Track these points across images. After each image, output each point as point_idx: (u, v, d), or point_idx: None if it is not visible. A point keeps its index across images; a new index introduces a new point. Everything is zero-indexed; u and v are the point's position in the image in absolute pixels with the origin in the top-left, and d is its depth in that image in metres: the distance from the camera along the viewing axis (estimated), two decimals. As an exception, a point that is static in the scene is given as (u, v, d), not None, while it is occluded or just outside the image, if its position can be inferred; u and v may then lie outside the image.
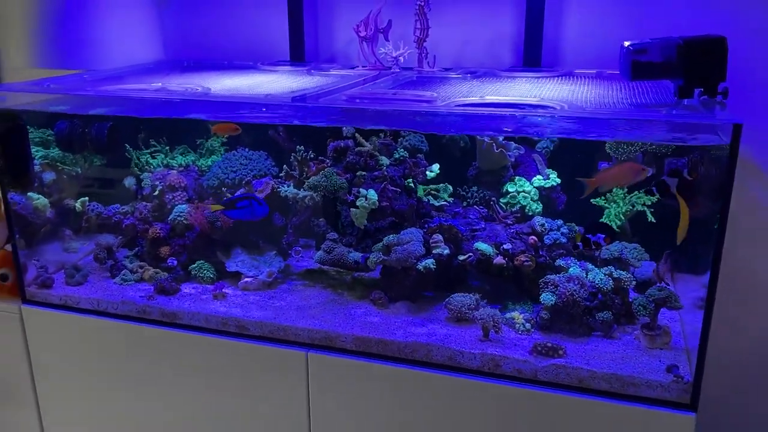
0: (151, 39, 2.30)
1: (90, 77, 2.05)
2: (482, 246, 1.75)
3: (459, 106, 1.56)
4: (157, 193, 2.11)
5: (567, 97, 1.63)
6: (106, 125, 2.03)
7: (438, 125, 1.60)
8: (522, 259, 1.74)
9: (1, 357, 2.03)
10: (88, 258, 2.13)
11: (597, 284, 1.66)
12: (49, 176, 2.16)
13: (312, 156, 2.00)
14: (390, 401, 1.66)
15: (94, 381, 1.95)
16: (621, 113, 1.50)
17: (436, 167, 1.98)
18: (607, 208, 1.88)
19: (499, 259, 1.74)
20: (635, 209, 1.87)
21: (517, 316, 1.69)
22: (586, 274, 1.69)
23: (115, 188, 2.22)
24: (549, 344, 1.58)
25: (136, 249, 2.08)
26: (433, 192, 1.99)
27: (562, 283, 1.65)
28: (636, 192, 1.87)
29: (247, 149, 2.15)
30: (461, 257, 1.77)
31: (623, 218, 1.87)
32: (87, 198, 2.15)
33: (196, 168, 2.21)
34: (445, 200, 1.98)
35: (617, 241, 1.80)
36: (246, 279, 1.94)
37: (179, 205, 2.03)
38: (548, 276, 1.69)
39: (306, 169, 1.97)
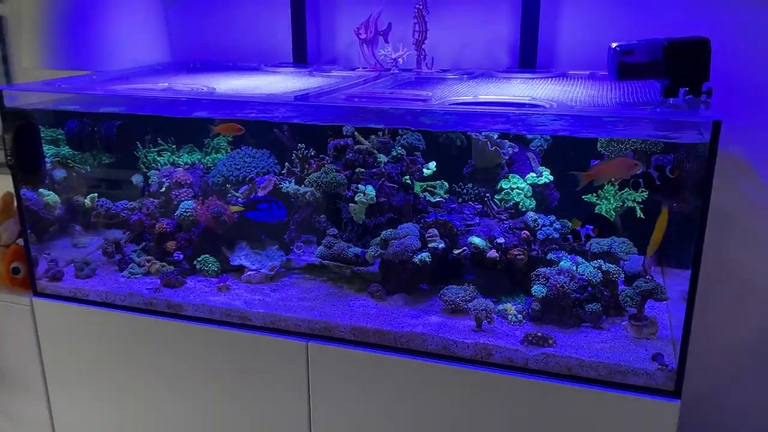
0: (158, 41, 2.34)
1: (99, 78, 2.10)
2: (476, 240, 1.81)
3: (452, 104, 1.62)
4: (163, 189, 2.17)
5: (558, 97, 1.68)
6: (114, 124, 2.08)
7: (432, 123, 1.66)
8: (515, 252, 1.79)
9: (12, 347, 2.09)
10: (97, 252, 2.18)
11: (587, 277, 1.72)
12: (59, 173, 2.22)
13: (313, 154, 2.07)
14: (386, 389, 1.71)
15: (101, 370, 2.01)
16: (605, 111, 1.55)
17: (432, 165, 2.04)
18: (599, 204, 1.94)
19: (492, 253, 1.80)
20: (626, 205, 1.93)
21: (509, 307, 1.75)
22: (576, 267, 1.75)
23: (124, 185, 2.28)
24: (539, 334, 1.64)
25: (144, 243, 2.14)
26: (429, 188, 2.05)
27: (553, 276, 1.71)
28: (626, 189, 1.93)
29: (250, 148, 2.21)
30: (456, 251, 1.83)
31: (614, 214, 1.92)
32: (96, 194, 2.20)
33: (202, 166, 2.27)
34: (441, 196, 2.04)
35: (612, 236, 1.85)
36: (249, 272, 2.00)
37: (185, 201, 2.09)
38: (539, 269, 1.75)
39: (307, 166, 2.04)
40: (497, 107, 1.59)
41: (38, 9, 2.14)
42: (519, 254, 1.79)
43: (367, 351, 1.72)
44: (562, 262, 1.78)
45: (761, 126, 1.98)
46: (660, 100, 1.57)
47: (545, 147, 2.05)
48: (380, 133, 2.03)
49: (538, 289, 1.71)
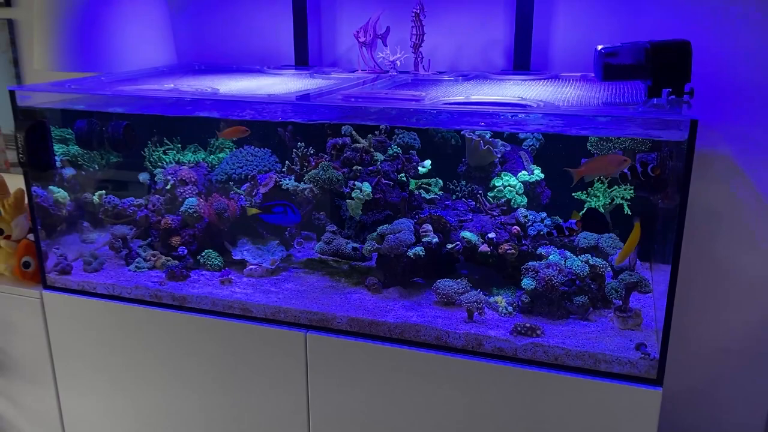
0: (164, 45, 2.35)
1: (107, 79, 2.15)
2: (468, 234, 1.87)
3: (443, 104, 1.69)
4: (169, 187, 2.23)
5: (548, 97, 1.73)
6: (122, 124, 2.11)
7: (424, 121, 1.72)
8: (505, 247, 1.86)
9: (22, 339, 2.15)
10: (105, 247, 2.24)
11: (574, 270, 1.78)
12: (68, 171, 2.29)
13: (312, 152, 2.14)
14: (381, 377, 1.77)
15: (108, 359, 2.07)
16: (588, 110, 1.61)
17: (428, 163, 2.10)
18: (589, 201, 2.00)
19: (484, 247, 1.87)
20: (614, 203, 1.99)
21: (500, 299, 1.82)
22: (565, 261, 1.81)
23: (130, 183, 2.34)
24: (528, 324, 1.70)
25: (149, 239, 2.20)
26: (424, 186, 2.11)
27: (542, 269, 1.77)
28: (615, 186, 1.99)
29: (253, 147, 2.27)
30: (449, 245, 1.90)
31: (603, 211, 1.98)
32: (104, 191, 2.26)
33: (206, 164, 2.33)
34: (436, 194, 2.10)
35: (608, 233, 1.92)
36: (251, 266, 2.07)
37: (189, 199, 2.15)
38: (529, 263, 1.81)
39: (306, 164, 2.11)
40: (485, 106, 1.66)
41: (48, 14, 2.19)
42: (510, 249, 1.85)
43: (362, 341, 1.78)
44: (551, 256, 1.84)
45: (750, 127, 2.03)
46: (644, 100, 1.64)
47: (537, 146, 2.11)
48: (377, 133, 2.10)
49: (527, 282, 1.77)
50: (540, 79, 2.05)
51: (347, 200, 1.99)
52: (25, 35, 2.77)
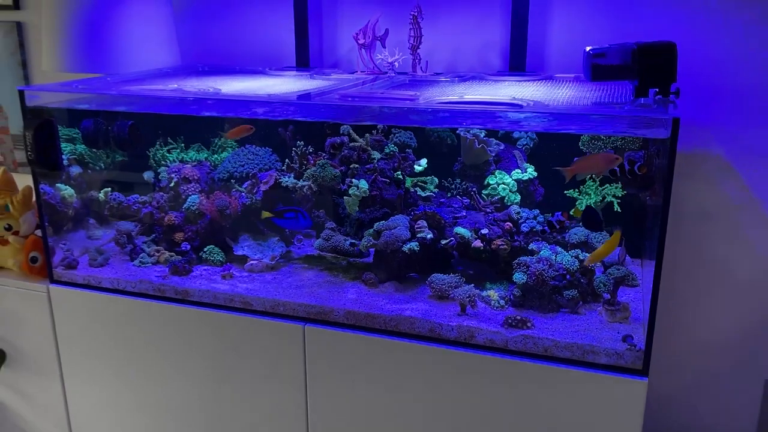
0: (168, 47, 2.38)
1: (113, 79, 2.19)
2: (461, 230, 1.92)
3: (437, 103, 1.74)
4: (172, 184, 2.28)
5: (540, 97, 1.77)
6: (127, 123, 2.15)
7: (419, 120, 1.77)
8: (498, 243, 1.91)
9: (30, 331, 2.20)
10: (110, 243, 2.29)
11: (565, 265, 1.83)
12: (75, 169, 2.34)
13: (311, 150, 2.19)
14: (376, 368, 1.82)
15: (112, 351, 2.12)
16: (575, 109, 1.65)
17: (424, 161, 2.14)
18: (580, 199, 2.05)
19: (477, 243, 1.92)
20: (606, 200, 2.04)
21: (492, 293, 1.86)
22: (555, 256, 1.86)
23: (135, 180, 2.39)
24: (518, 317, 1.75)
25: (153, 235, 2.25)
26: (420, 183, 2.16)
27: (533, 264, 1.82)
28: (607, 185, 2.04)
29: (254, 146, 2.32)
30: (443, 241, 1.95)
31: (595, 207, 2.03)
32: (109, 189, 2.31)
33: (209, 163, 2.39)
34: (431, 191, 2.15)
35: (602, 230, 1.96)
36: (251, 261, 2.12)
37: (192, 196, 2.21)
38: (521, 258, 1.86)
39: (305, 162, 2.16)
40: (477, 105, 1.71)
41: (56, 17, 2.23)
42: (502, 244, 1.90)
43: (359, 333, 1.83)
44: (542, 252, 1.89)
45: (742, 129, 2.06)
46: (631, 99, 1.69)
47: (531, 145, 2.16)
48: (374, 132, 2.15)
49: (519, 277, 1.82)
50: (534, 80, 2.08)
51: (345, 197, 2.04)
52: (34, 37, 2.82)
